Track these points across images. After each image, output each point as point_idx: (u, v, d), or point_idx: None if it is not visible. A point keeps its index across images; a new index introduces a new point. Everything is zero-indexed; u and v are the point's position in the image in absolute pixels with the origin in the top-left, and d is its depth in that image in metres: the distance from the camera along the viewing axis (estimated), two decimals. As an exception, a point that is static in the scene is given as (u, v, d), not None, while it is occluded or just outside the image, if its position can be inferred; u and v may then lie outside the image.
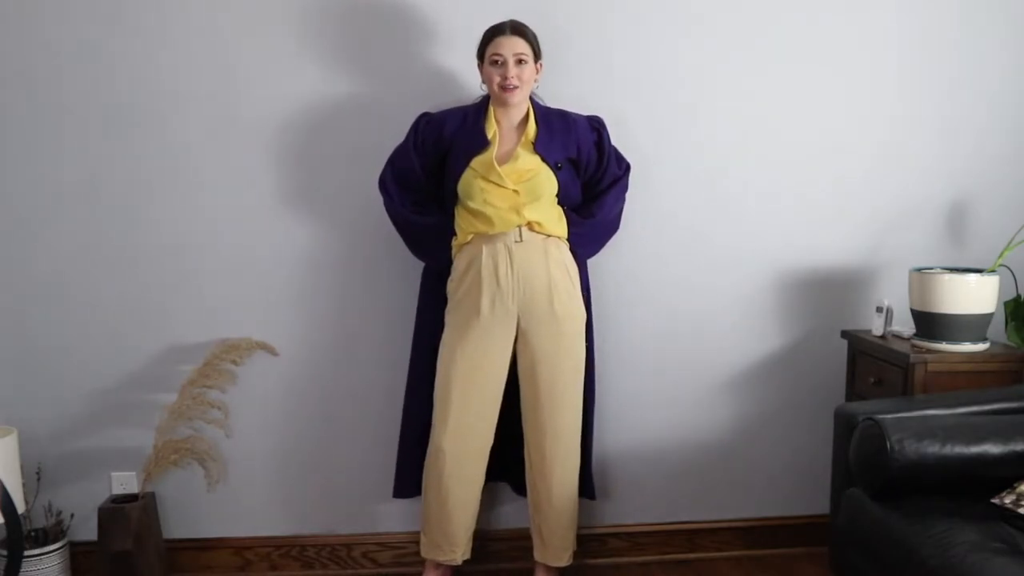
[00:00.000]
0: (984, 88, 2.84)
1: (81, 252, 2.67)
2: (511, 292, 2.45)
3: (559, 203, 2.50)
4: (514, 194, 2.42)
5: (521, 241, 2.44)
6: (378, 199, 2.56)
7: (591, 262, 2.64)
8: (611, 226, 2.63)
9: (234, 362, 2.70)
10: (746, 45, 2.76)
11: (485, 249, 2.45)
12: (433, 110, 2.57)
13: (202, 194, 2.68)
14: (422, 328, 2.61)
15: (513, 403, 2.56)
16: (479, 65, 2.46)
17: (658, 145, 2.75)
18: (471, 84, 2.57)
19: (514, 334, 2.49)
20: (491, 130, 2.46)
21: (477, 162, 2.43)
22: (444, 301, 2.54)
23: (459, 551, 2.57)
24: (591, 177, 2.56)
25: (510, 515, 2.83)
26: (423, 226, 2.53)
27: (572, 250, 2.53)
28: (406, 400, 2.64)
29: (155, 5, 2.60)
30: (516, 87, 2.40)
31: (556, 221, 2.49)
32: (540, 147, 2.45)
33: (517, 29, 2.42)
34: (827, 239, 2.86)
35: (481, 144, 2.44)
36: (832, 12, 2.77)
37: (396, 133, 2.56)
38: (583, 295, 2.56)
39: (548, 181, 2.45)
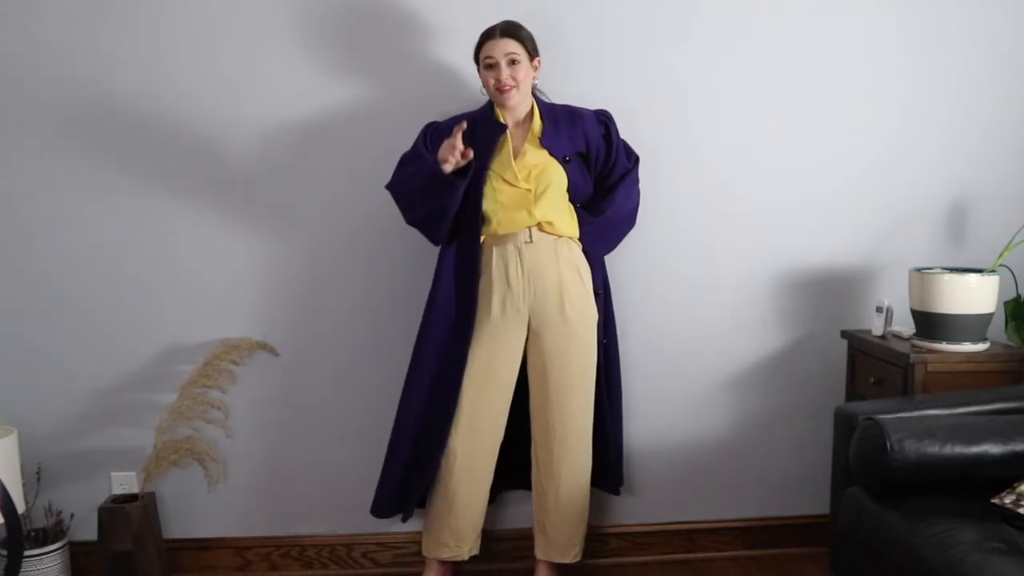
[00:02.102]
0: (985, 89, 2.84)
1: (81, 252, 2.67)
2: (522, 293, 2.45)
3: (570, 199, 2.50)
4: (526, 192, 2.42)
5: (531, 242, 2.45)
6: (380, 199, 2.55)
7: (592, 261, 2.65)
8: (625, 221, 2.62)
9: (234, 362, 2.70)
10: (747, 45, 2.76)
11: (495, 250, 2.45)
12: (439, 115, 2.56)
13: (202, 193, 2.68)
14: (424, 349, 2.52)
15: (521, 403, 2.57)
16: (478, 70, 2.46)
17: (659, 145, 2.74)
18: (475, 86, 2.57)
19: (525, 335, 2.50)
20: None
21: (495, 163, 2.42)
22: (454, 317, 2.49)
23: (466, 548, 2.57)
24: (600, 171, 2.55)
25: (511, 515, 2.83)
26: (424, 166, 2.39)
27: (586, 249, 2.53)
28: (399, 416, 2.55)
29: (152, 6, 2.60)
30: (511, 87, 2.40)
31: (568, 220, 2.49)
32: (547, 141, 2.45)
33: (507, 31, 2.41)
34: (827, 239, 2.86)
35: (497, 133, 2.42)
36: (835, 13, 2.77)
37: (398, 135, 2.55)
38: (602, 292, 2.56)
39: (558, 175, 2.45)
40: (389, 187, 2.51)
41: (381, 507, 2.58)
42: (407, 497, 2.56)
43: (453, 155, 2.30)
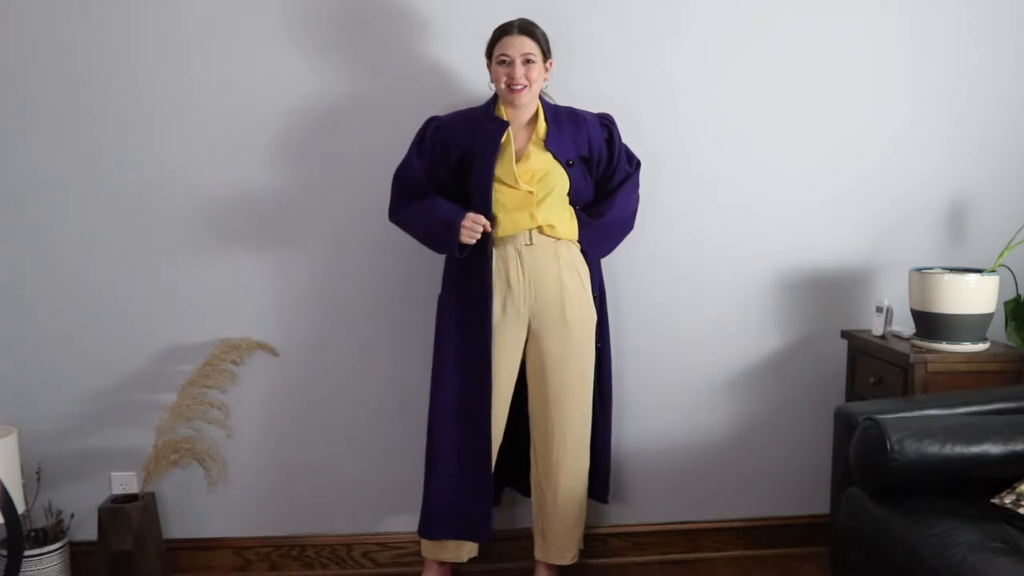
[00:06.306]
0: (985, 89, 2.84)
1: (81, 252, 2.67)
2: (522, 296, 2.44)
3: (571, 202, 2.49)
4: (528, 195, 2.42)
5: (531, 244, 2.44)
6: (381, 199, 2.55)
7: (591, 262, 2.64)
8: (624, 224, 2.60)
9: (234, 362, 2.70)
10: (749, 47, 2.76)
11: (495, 252, 2.44)
12: (441, 110, 2.55)
13: (203, 194, 2.68)
14: (443, 356, 2.50)
15: (519, 405, 2.56)
16: (488, 64, 2.45)
17: (659, 145, 2.74)
18: (476, 83, 2.56)
19: (525, 337, 2.49)
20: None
21: (496, 164, 2.40)
22: (464, 330, 2.48)
23: (465, 550, 2.57)
24: (602, 175, 2.54)
25: (511, 516, 2.83)
26: (426, 209, 2.45)
27: (584, 250, 2.52)
28: (432, 423, 2.50)
29: (154, 4, 2.60)
30: (523, 87, 2.39)
31: (568, 223, 2.48)
32: (551, 144, 2.44)
33: (525, 29, 2.40)
34: (827, 239, 2.86)
35: (499, 131, 2.40)
36: (835, 15, 2.77)
37: (400, 134, 2.55)
38: (598, 295, 2.56)
39: (560, 179, 2.44)
40: (393, 221, 2.53)
41: (434, 526, 2.51)
42: (471, 517, 2.50)
43: (474, 236, 2.36)
